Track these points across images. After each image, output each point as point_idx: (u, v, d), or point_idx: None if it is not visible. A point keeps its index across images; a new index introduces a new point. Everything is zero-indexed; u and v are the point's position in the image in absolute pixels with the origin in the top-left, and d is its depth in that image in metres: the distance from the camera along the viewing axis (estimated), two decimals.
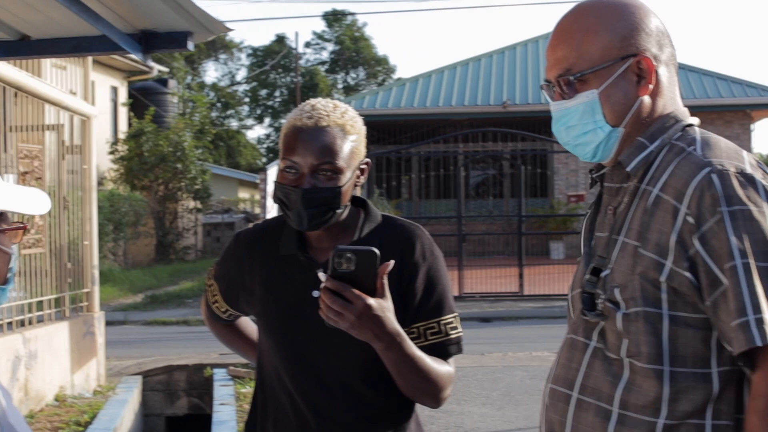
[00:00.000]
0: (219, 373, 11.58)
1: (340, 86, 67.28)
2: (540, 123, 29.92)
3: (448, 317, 2.79)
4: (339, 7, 79.13)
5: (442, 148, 28.61)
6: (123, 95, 30.04)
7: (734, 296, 2.05)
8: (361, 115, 2.81)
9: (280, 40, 65.67)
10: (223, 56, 67.37)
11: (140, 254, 29.33)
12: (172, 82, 34.92)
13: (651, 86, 2.28)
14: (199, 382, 11.97)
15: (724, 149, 2.21)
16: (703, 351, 2.15)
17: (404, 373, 2.62)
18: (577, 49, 2.28)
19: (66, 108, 10.35)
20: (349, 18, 66.61)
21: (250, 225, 3.05)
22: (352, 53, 67.00)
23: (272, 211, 11.42)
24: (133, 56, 22.87)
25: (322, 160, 2.67)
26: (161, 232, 30.28)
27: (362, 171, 2.80)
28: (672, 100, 2.34)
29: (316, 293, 2.68)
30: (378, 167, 26.28)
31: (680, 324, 2.15)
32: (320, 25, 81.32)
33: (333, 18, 66.12)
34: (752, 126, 30.56)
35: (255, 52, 67.11)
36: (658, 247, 2.15)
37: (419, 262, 2.77)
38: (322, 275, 2.56)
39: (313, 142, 2.67)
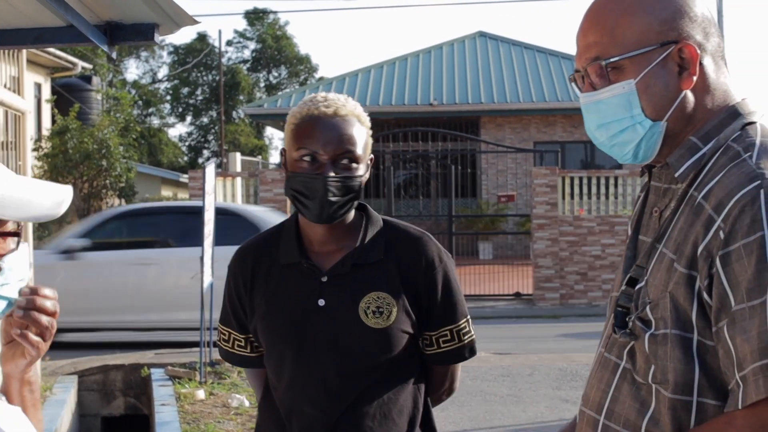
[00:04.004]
0: (156, 373, 11.39)
1: (262, 85, 66.96)
2: (467, 123, 30.11)
3: (461, 323, 2.76)
4: (261, 5, 78.69)
5: None
6: (46, 92, 29.53)
7: (759, 334, 1.76)
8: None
9: (202, 38, 65.10)
10: (144, 54, 66.69)
11: None
12: (95, 79, 34.46)
13: (695, 78, 1.98)
14: (136, 382, 11.81)
15: None
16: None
17: None
18: (611, 33, 1.99)
19: (1, 103, 10.14)
20: (271, 16, 66.40)
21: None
22: (274, 52, 66.69)
23: (210, 208, 11.29)
24: (57, 51, 22.14)
25: (345, 148, 2.62)
26: None
27: (367, 167, 2.75)
28: (725, 93, 2.03)
29: (321, 302, 2.63)
30: None
31: (711, 352, 1.88)
32: (242, 24, 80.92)
33: (255, 16, 65.80)
34: None
35: (176, 50, 66.53)
36: (688, 261, 1.89)
37: (430, 269, 2.71)
38: None
39: (334, 130, 2.61)
